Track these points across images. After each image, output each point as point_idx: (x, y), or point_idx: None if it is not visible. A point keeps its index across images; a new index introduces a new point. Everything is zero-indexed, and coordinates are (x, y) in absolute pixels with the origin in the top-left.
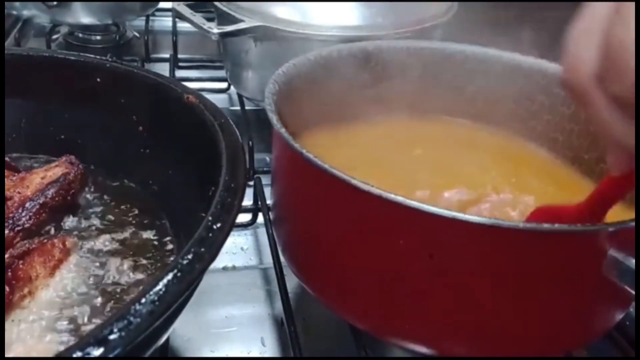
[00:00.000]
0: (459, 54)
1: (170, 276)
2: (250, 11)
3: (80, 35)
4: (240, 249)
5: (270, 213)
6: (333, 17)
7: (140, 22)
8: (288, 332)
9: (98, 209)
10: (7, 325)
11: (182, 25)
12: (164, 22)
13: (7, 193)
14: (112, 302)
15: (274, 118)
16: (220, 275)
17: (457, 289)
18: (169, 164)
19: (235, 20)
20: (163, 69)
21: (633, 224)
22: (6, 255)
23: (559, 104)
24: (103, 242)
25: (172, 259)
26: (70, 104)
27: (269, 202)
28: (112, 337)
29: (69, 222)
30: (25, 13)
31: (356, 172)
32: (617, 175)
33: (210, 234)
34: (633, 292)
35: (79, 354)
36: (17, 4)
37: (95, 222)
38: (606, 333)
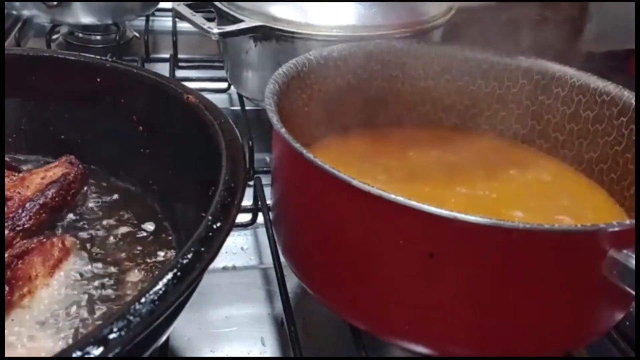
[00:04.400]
0: (458, 54)
1: (170, 276)
2: (250, 11)
3: (80, 35)
4: (240, 249)
5: (270, 213)
6: (333, 17)
7: (140, 22)
8: (288, 332)
9: (98, 209)
10: (7, 324)
11: (182, 25)
12: (164, 22)
13: (7, 193)
14: (112, 301)
15: (274, 118)
16: (220, 275)
17: (457, 289)
18: (169, 164)
19: (235, 20)
20: (163, 69)
21: (632, 223)
22: (6, 255)
23: (559, 104)
24: (102, 242)
25: (172, 258)
26: (70, 104)
27: (269, 202)
28: (111, 336)
29: (69, 222)
30: (25, 13)
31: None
32: None
33: (210, 234)
34: (633, 293)
35: (78, 353)
36: (17, 4)
37: (95, 222)
38: (606, 333)
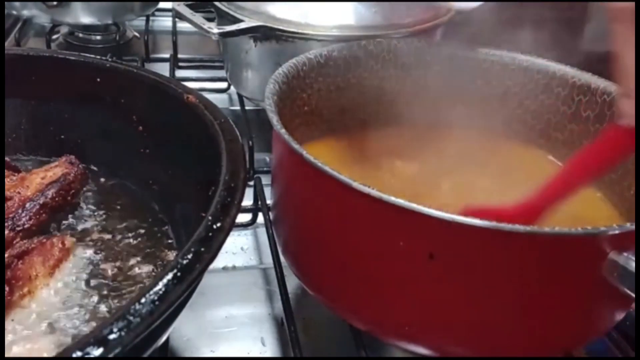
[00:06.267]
0: (459, 54)
1: (170, 276)
2: (250, 11)
3: (80, 35)
4: (240, 249)
5: (270, 213)
6: (333, 17)
7: (140, 22)
8: (288, 332)
9: (98, 209)
10: (7, 324)
11: (182, 25)
12: (164, 22)
13: (7, 193)
14: (112, 301)
15: (274, 118)
16: (220, 275)
17: (457, 291)
18: (168, 164)
19: (235, 20)
20: (163, 69)
21: (633, 226)
22: (6, 255)
23: (560, 104)
24: (102, 242)
25: (172, 258)
26: (70, 104)
27: (269, 202)
28: (111, 336)
29: (69, 222)
30: (25, 13)
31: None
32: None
33: (210, 234)
34: (633, 295)
35: (78, 353)
36: (17, 4)
37: (95, 222)
38: (606, 333)
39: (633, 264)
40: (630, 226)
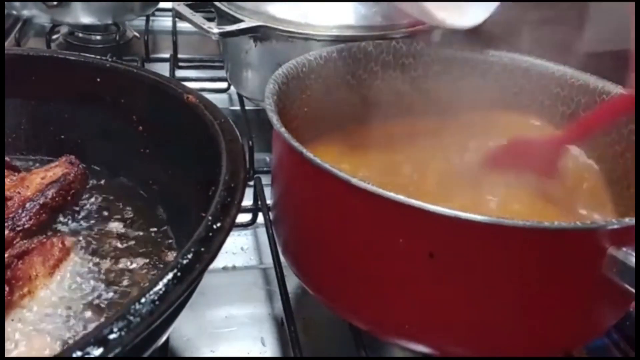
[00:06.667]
0: (459, 54)
1: (170, 276)
2: (250, 11)
3: (80, 35)
4: (240, 249)
5: (270, 213)
6: (333, 17)
7: (140, 22)
8: (288, 332)
9: (98, 209)
10: (7, 324)
11: (182, 25)
12: (164, 22)
13: (7, 193)
14: (112, 301)
15: (274, 118)
16: (220, 275)
17: (457, 289)
18: (169, 164)
19: (235, 20)
20: (163, 69)
21: (633, 222)
22: (6, 255)
23: (559, 104)
24: (102, 242)
25: (172, 258)
26: (70, 104)
27: (269, 202)
28: (111, 336)
29: (69, 222)
30: (25, 13)
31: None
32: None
33: (210, 234)
34: (633, 291)
35: (78, 353)
36: (17, 4)
37: (95, 222)
38: (606, 333)
39: (633, 259)
40: (629, 221)
